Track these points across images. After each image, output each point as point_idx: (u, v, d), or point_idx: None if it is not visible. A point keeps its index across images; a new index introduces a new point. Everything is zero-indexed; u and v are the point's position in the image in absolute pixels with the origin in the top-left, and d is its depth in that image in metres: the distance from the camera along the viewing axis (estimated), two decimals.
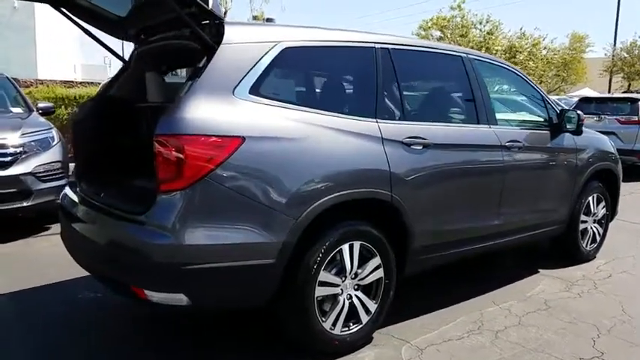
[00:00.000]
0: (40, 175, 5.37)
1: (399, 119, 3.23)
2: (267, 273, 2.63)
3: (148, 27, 3.38)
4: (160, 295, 2.50)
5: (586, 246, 4.92)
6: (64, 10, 3.43)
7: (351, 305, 2.99)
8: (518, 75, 4.36)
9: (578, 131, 4.36)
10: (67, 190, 3.55)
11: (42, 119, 6.16)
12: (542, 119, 4.39)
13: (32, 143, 5.47)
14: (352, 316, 3.01)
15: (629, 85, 29.40)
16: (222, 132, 2.50)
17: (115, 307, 3.71)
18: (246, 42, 2.74)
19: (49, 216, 5.96)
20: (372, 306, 3.09)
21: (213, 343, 3.16)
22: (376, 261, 3.05)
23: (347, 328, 2.99)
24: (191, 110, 2.47)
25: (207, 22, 2.74)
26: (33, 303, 3.74)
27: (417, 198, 3.18)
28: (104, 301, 3.81)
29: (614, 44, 29.06)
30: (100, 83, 11.67)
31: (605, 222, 5.12)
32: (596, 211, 4.93)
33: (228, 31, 2.70)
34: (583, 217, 4.78)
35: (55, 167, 5.54)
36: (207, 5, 2.57)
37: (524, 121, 4.38)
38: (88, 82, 12.42)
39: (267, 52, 2.75)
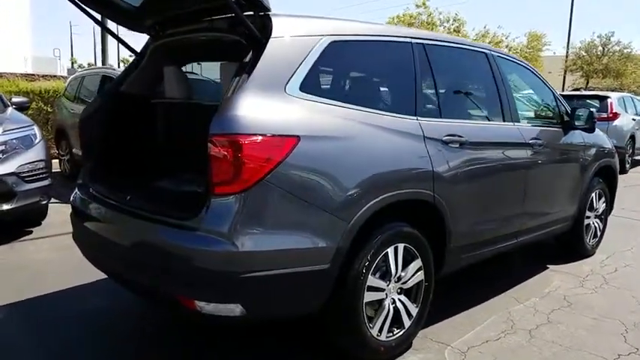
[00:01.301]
0: (24, 175, 5.00)
1: (437, 116, 3.14)
2: (322, 279, 2.48)
3: (169, 18, 3.16)
4: (213, 305, 2.31)
5: (589, 241, 5.00)
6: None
7: (395, 310, 2.88)
8: (531, 71, 4.35)
9: (591, 128, 4.40)
10: (78, 192, 3.29)
11: (22, 115, 5.76)
12: (555, 116, 4.41)
13: (14, 141, 5.09)
14: (395, 320, 2.90)
15: (587, 83, 30.57)
16: (279, 131, 2.33)
17: (127, 316, 3.49)
18: (294, 35, 2.58)
19: (29, 220, 5.61)
20: (414, 310, 2.99)
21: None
22: (417, 263, 2.96)
23: (391, 334, 2.88)
24: (247, 108, 2.29)
25: (251, 13, 2.55)
26: (37, 316, 3.45)
27: (455, 197, 3.10)
28: (114, 309, 3.57)
29: (568, 44, 30.14)
30: (64, 77, 11.11)
31: (604, 217, 5.21)
32: (597, 206, 5.01)
33: (276, 23, 2.53)
34: (587, 213, 4.85)
35: (38, 167, 5.18)
36: None
37: (540, 118, 4.39)
38: (50, 76, 11.80)
39: (315, 46, 2.60)
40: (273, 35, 2.49)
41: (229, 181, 2.25)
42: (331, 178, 2.46)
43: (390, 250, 2.78)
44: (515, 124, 3.78)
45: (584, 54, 31.95)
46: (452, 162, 3.08)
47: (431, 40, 3.26)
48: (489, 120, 3.68)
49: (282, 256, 2.35)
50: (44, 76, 11.61)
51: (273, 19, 2.54)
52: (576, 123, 4.36)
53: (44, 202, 5.35)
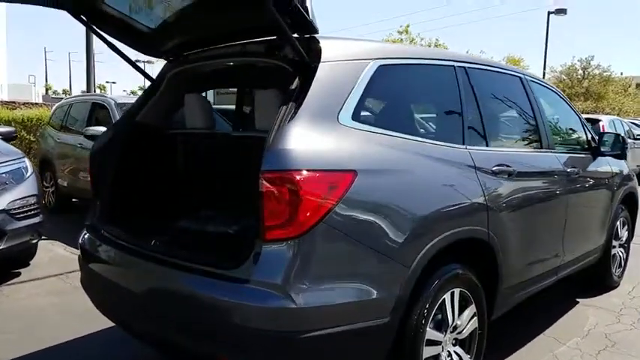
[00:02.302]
0: (15, 212, 4.60)
1: (484, 145, 2.91)
2: (382, 335, 2.19)
3: (192, 41, 2.88)
4: None
5: (615, 271, 4.80)
6: (83, 18, 2.86)
7: None
8: (558, 95, 4.18)
9: (621, 155, 4.23)
10: (88, 233, 2.95)
11: (11, 147, 5.36)
12: (583, 142, 4.23)
13: (4, 175, 4.69)
14: None
15: None
16: (335, 166, 2.06)
17: None
18: (343, 60, 2.33)
19: (16, 260, 5.18)
20: None
21: None
22: (472, 309, 2.68)
23: None
24: (301, 141, 2.02)
25: (297, 35, 2.30)
26: None
27: (506, 233, 2.85)
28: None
29: (544, 67, 30.71)
30: (47, 104, 10.70)
31: (627, 245, 5.03)
32: (621, 234, 4.83)
33: (325, 46, 2.28)
34: (613, 242, 4.66)
35: (30, 202, 4.78)
36: (308, 14, 2.14)
37: (570, 144, 4.20)
38: (31, 104, 11.36)
39: (364, 70, 2.35)
40: (322, 60, 2.23)
41: (284, 224, 1.96)
42: (390, 217, 2.19)
43: (447, 297, 2.50)
44: (552, 151, 3.58)
45: (565, 77, 32.60)
46: (503, 195, 2.85)
47: (471, 63, 3.04)
48: (530, 147, 3.47)
49: (342, 311, 2.05)
50: (25, 104, 11.17)
51: (322, 42, 2.28)
52: (603, 149, 4.19)
53: (35, 241, 4.95)
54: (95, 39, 10.75)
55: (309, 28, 2.22)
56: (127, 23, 2.89)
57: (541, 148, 3.49)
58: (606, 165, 4.33)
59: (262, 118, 2.64)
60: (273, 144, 1.99)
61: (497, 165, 2.85)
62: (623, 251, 4.94)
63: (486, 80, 3.17)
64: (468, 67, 2.97)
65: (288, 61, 2.35)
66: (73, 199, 7.96)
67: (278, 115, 2.12)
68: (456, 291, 2.55)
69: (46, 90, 67.79)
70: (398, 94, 2.64)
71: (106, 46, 2.99)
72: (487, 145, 2.93)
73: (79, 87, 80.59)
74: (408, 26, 26.42)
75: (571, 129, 4.25)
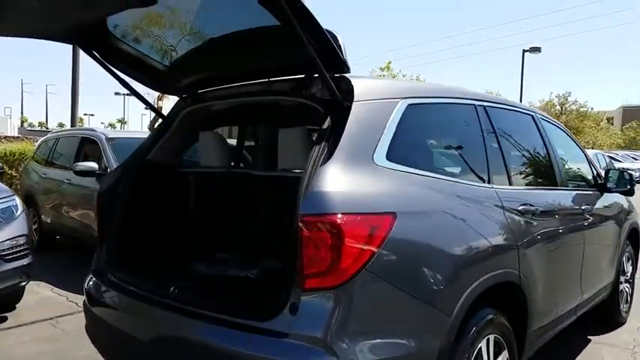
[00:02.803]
0: (4, 253, 4.36)
1: (507, 184, 2.85)
2: None
3: (210, 78, 2.79)
4: None
5: (622, 307, 4.74)
6: (94, 53, 2.76)
7: None
8: (566, 133, 4.19)
9: (630, 192, 4.22)
10: (94, 278, 2.77)
11: (0, 183, 5.14)
12: (591, 179, 4.22)
13: None
14: None
15: None
16: (375, 208, 1.97)
17: None
18: (374, 99, 2.26)
19: (2, 303, 4.89)
20: None
21: None
22: (504, 356, 2.56)
23: None
24: (340, 183, 1.92)
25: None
26: None
27: (533, 274, 2.77)
28: None
29: (520, 101, 31.41)
30: (30, 138, 10.45)
31: (632, 280, 5.00)
32: (627, 269, 4.80)
33: (356, 85, 2.21)
34: (620, 278, 4.62)
35: (20, 242, 4.54)
36: (342, 53, 2.07)
37: (579, 181, 4.19)
38: (12, 137, 11.08)
39: (395, 109, 2.28)
40: (355, 99, 2.16)
41: (325, 272, 1.83)
42: (430, 262, 2.09)
43: (483, 344, 2.38)
44: (566, 188, 3.55)
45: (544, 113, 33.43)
46: (530, 235, 2.77)
47: (489, 101, 3.01)
48: (546, 185, 3.43)
49: None
50: (6, 137, 10.88)
51: (353, 81, 2.21)
52: (609, 185, 4.18)
53: (24, 284, 4.69)
54: (81, 72, 10.63)
55: (341, 66, 2.15)
56: (139, 59, 2.79)
57: (556, 185, 3.45)
58: (613, 201, 4.33)
59: (286, 158, 2.54)
60: (311, 186, 1.89)
61: (522, 204, 2.79)
62: (629, 286, 4.90)
63: (504, 118, 3.13)
64: (487, 106, 2.93)
65: (317, 99, 2.28)
66: (57, 236, 7.68)
67: (311, 155, 2.02)
68: (491, 337, 2.44)
69: (22, 122, 66.86)
70: (426, 133, 2.58)
71: (111, 79, 2.88)
72: (510, 184, 2.87)
73: (55, 120, 79.78)
74: (389, 63, 26.92)
75: (579, 166, 4.25)
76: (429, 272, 2.06)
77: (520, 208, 2.76)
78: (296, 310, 1.86)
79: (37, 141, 10.53)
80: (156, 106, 16.78)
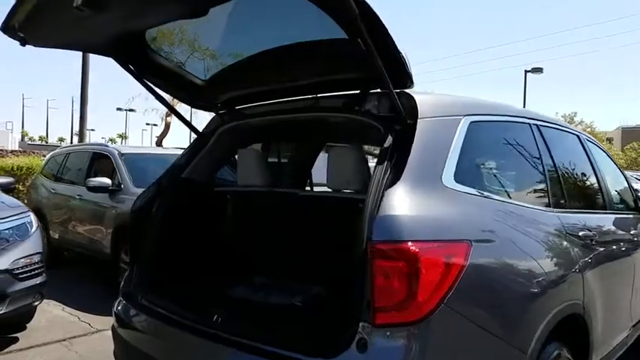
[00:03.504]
0: (18, 272, 4.17)
1: (566, 208, 2.70)
2: None
3: (251, 94, 2.66)
4: None
5: None
6: (130, 67, 2.62)
7: None
8: (607, 154, 4.05)
9: None
10: (124, 301, 2.61)
11: (14, 199, 4.98)
12: (633, 202, 4.06)
13: (7, 231, 4.29)
14: None
15: None
16: (451, 235, 1.81)
17: None
18: (439, 116, 2.12)
19: (14, 323, 4.69)
20: None
21: None
22: None
23: None
24: (412, 206, 1.77)
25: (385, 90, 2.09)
26: None
27: (595, 304, 2.61)
28: None
29: None
30: (37, 152, 10.30)
31: None
32: None
33: (421, 101, 2.07)
34: None
35: (34, 260, 4.35)
36: (408, 67, 1.93)
37: (624, 204, 4.03)
38: (19, 151, 10.94)
39: (458, 127, 2.14)
40: (420, 116, 2.01)
41: (399, 306, 1.67)
42: (506, 295, 1.94)
43: None
44: (613, 212, 3.40)
45: None
46: (590, 262, 2.61)
47: (541, 120, 2.87)
48: (597, 209, 3.27)
49: None
50: (12, 152, 10.74)
51: (416, 97, 2.07)
52: None
53: (37, 304, 4.50)
54: (90, 87, 10.53)
55: (405, 81, 2.01)
56: (177, 74, 2.66)
57: (605, 209, 3.30)
58: None
59: (336, 177, 2.39)
60: (382, 210, 1.73)
61: (582, 229, 2.64)
62: None
63: (555, 139, 2.99)
64: (540, 125, 2.80)
65: (373, 116, 2.14)
66: (65, 252, 7.50)
67: (374, 176, 1.87)
68: None
69: (22, 136, 66.84)
70: (488, 153, 2.44)
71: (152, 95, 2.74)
72: (567, 208, 2.72)
73: (55, 134, 79.77)
74: None
75: (620, 188, 4.10)
76: (505, 306, 1.91)
77: (581, 234, 2.60)
78: (365, 347, 1.69)
79: (44, 155, 10.40)
80: (164, 123, 16.68)
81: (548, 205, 2.52)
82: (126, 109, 50.30)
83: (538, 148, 2.65)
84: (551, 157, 2.75)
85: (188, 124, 2.83)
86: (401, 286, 1.66)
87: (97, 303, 5.46)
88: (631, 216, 3.83)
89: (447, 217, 1.86)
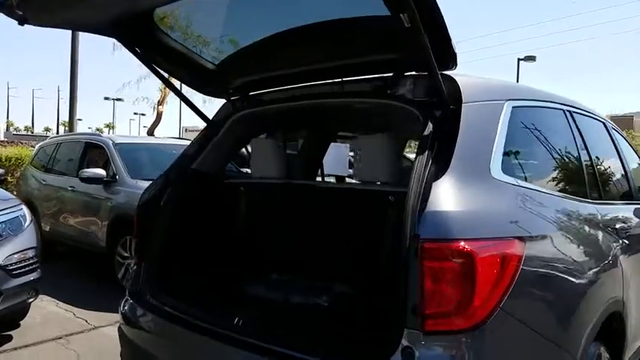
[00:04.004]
0: (12, 267, 3.96)
1: (600, 199, 2.55)
2: None
3: (267, 79, 2.47)
4: None
5: None
6: (137, 50, 2.42)
7: None
8: (628, 142, 3.91)
9: None
10: (131, 301, 2.43)
11: (4, 191, 4.75)
12: None
13: (0, 225, 4.08)
14: None
15: None
16: (504, 232, 1.65)
17: None
18: (482, 100, 1.95)
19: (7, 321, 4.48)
20: None
21: None
22: None
23: None
24: (463, 201, 1.61)
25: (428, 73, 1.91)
26: None
27: (631, 299, 2.47)
28: None
29: None
30: (24, 143, 10.01)
31: None
32: None
33: (463, 84, 1.89)
34: None
35: (28, 255, 4.14)
36: (454, 46, 1.76)
37: None
38: (6, 141, 10.62)
39: (502, 113, 1.97)
40: (464, 100, 1.84)
41: (452, 312, 1.51)
42: (557, 296, 1.79)
43: None
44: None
45: None
46: (628, 257, 2.47)
47: (573, 107, 2.71)
48: (627, 200, 3.13)
49: None
50: (0, 142, 10.41)
51: (459, 80, 1.89)
52: None
53: (31, 300, 4.29)
54: (79, 76, 10.23)
55: (449, 62, 1.83)
56: (187, 57, 2.46)
57: (632, 199, 3.16)
58: None
59: (365, 169, 2.21)
60: (432, 205, 1.56)
61: (618, 222, 2.50)
62: None
63: (586, 126, 2.83)
64: (573, 111, 2.64)
65: (408, 101, 1.96)
66: (59, 246, 7.26)
67: (416, 167, 1.69)
68: None
69: (7, 126, 65.76)
70: (530, 141, 2.28)
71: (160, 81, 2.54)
72: (602, 199, 2.58)
73: (41, 124, 78.64)
74: None
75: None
76: (557, 308, 1.77)
77: (617, 226, 2.46)
78: (412, 356, 1.53)
79: (32, 146, 10.10)
80: (155, 112, 16.38)
81: (585, 196, 2.37)
82: (113, 99, 49.70)
83: (573, 137, 2.50)
84: (585, 145, 2.60)
85: (197, 110, 2.63)
86: (454, 289, 1.50)
87: (92, 298, 5.29)
88: None
89: (499, 212, 1.71)
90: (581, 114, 2.75)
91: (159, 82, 16.97)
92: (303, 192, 2.57)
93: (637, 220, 2.98)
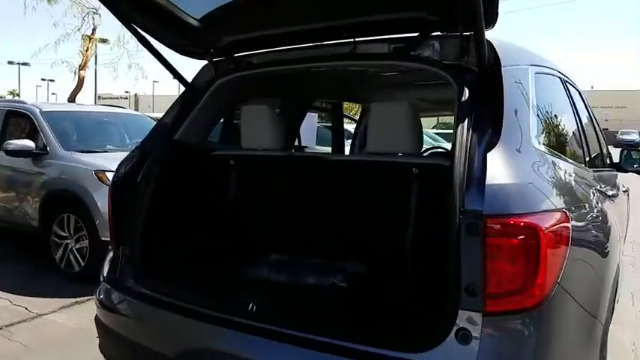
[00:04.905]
0: None
1: (592, 166, 2.57)
2: None
3: (260, 38, 2.22)
4: None
5: None
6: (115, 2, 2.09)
7: None
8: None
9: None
10: (112, 290, 2.17)
11: None
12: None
13: None
14: None
15: None
16: (556, 205, 1.58)
17: None
18: (514, 65, 1.84)
19: None
20: None
21: None
22: None
23: None
24: (522, 174, 1.53)
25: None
26: None
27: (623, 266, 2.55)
28: None
29: None
30: None
31: None
32: None
33: (500, 47, 1.77)
34: None
35: None
36: (497, 3, 1.62)
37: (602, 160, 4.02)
38: None
39: (530, 79, 1.89)
40: (503, 64, 1.72)
41: (515, 290, 1.42)
42: (590, 266, 1.76)
43: None
44: (607, 170, 3.35)
45: None
46: (619, 224, 2.52)
47: (560, 72, 2.66)
48: (603, 166, 3.18)
49: None
50: None
51: (492, 41, 1.77)
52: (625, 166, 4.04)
53: None
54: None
55: (491, 20, 1.68)
56: (166, 10, 2.16)
57: (604, 166, 3.23)
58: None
59: (383, 139, 2.04)
60: (491, 178, 1.44)
61: (608, 188, 2.54)
62: None
63: (572, 92, 2.82)
64: (563, 78, 2.59)
65: (436, 64, 1.81)
66: None
67: (459, 137, 1.57)
68: None
69: None
70: (547, 110, 2.20)
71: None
72: (593, 166, 2.60)
73: None
74: None
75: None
76: (592, 279, 1.75)
77: (610, 193, 2.50)
78: (467, 338, 1.43)
79: None
80: (78, 77, 15.22)
81: (585, 163, 2.38)
82: (18, 63, 45.61)
83: (571, 104, 2.49)
84: (578, 113, 2.60)
85: (175, 72, 2.33)
86: (519, 267, 1.41)
87: (28, 283, 4.81)
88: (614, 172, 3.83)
89: (548, 184, 1.63)
90: (567, 81, 2.73)
91: (79, 45, 15.80)
92: (306, 165, 2.37)
93: (609, 184, 3.05)
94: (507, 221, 1.40)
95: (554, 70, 2.45)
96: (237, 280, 2.14)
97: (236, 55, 2.33)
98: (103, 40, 17.39)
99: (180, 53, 2.37)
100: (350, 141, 4.77)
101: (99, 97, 41.32)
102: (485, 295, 1.41)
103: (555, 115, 2.25)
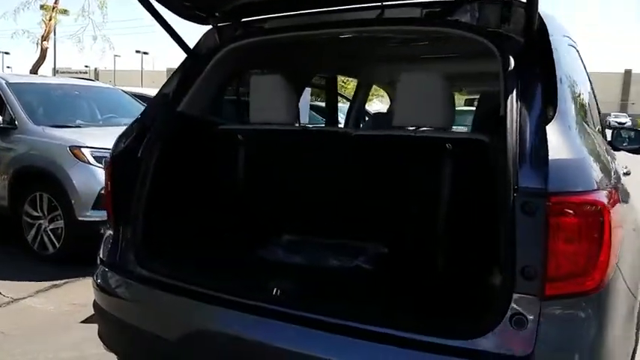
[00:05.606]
0: None
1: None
2: None
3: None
4: None
5: None
6: None
7: None
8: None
9: None
10: (112, 274, 2.00)
11: None
12: None
13: None
14: None
15: None
16: (612, 182, 1.53)
17: None
18: (557, 35, 1.74)
19: None
20: None
21: None
22: None
23: None
24: (583, 149, 1.45)
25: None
26: None
27: None
28: None
29: None
30: None
31: None
32: None
33: (545, 15, 1.67)
34: None
35: None
36: None
37: None
38: None
39: (566, 51, 1.80)
40: (551, 33, 1.63)
41: (577, 272, 1.34)
42: (632, 245, 1.69)
43: None
44: None
45: None
46: None
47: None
48: None
49: None
50: None
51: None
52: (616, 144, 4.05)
53: None
54: None
55: None
56: None
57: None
58: None
59: (413, 112, 1.91)
60: (555, 153, 1.34)
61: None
62: None
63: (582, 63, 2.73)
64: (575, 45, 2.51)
65: (475, 30, 1.69)
66: None
67: (510, 110, 1.46)
68: None
69: None
70: (580, 84, 2.10)
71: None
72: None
73: None
74: None
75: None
76: (636, 259, 1.69)
77: (624, 171, 2.45)
78: (523, 323, 1.34)
79: None
80: (40, 48, 14.50)
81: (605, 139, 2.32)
82: None
83: (589, 79, 2.40)
84: (593, 88, 2.53)
85: (177, 38, 2.13)
86: (583, 247, 1.33)
87: (1, 267, 4.55)
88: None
89: (597, 161, 1.55)
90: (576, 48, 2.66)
91: (40, 14, 15.02)
92: (325, 140, 2.22)
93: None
94: (574, 199, 1.31)
95: (574, 42, 2.36)
96: (252, 262, 2.00)
97: (243, 19, 2.16)
98: (64, 11, 16.60)
99: (182, 17, 2.18)
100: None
101: (57, 71, 39.68)
102: (544, 278, 1.32)
103: (583, 91, 2.17)
